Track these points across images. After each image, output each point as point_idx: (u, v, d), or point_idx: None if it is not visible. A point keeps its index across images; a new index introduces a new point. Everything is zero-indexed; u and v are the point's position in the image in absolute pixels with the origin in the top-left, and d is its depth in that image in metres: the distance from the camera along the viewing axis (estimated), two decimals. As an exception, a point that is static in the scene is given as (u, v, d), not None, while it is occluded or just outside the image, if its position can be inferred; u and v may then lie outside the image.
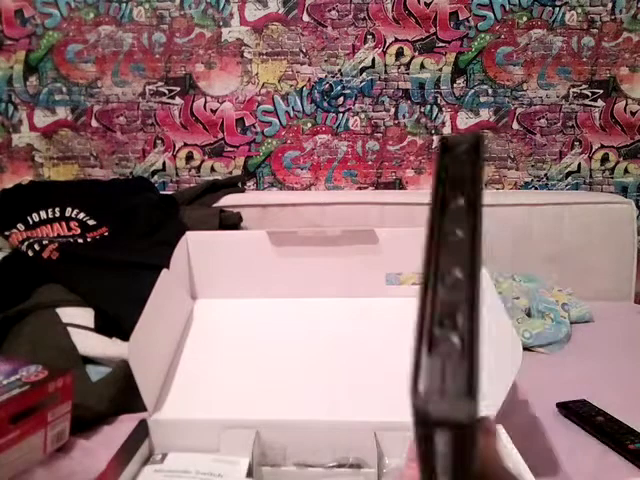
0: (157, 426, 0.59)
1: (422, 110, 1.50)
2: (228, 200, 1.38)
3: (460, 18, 1.46)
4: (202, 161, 1.53)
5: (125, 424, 0.71)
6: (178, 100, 1.50)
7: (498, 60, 1.48)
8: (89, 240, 1.11)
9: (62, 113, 1.51)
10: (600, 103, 1.50)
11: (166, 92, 1.49)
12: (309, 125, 1.51)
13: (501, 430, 0.55)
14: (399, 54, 1.48)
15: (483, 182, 0.24)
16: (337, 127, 1.51)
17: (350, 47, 1.47)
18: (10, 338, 0.87)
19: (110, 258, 1.05)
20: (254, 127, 1.52)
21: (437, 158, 0.25)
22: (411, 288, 0.80)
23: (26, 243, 1.04)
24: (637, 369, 0.92)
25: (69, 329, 0.89)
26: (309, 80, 1.49)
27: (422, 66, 1.48)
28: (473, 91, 1.50)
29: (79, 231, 1.12)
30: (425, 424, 0.19)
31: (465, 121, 1.51)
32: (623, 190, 1.54)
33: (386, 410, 0.58)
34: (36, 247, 1.02)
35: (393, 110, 1.50)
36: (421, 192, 1.51)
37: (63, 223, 1.13)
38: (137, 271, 0.99)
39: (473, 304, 0.20)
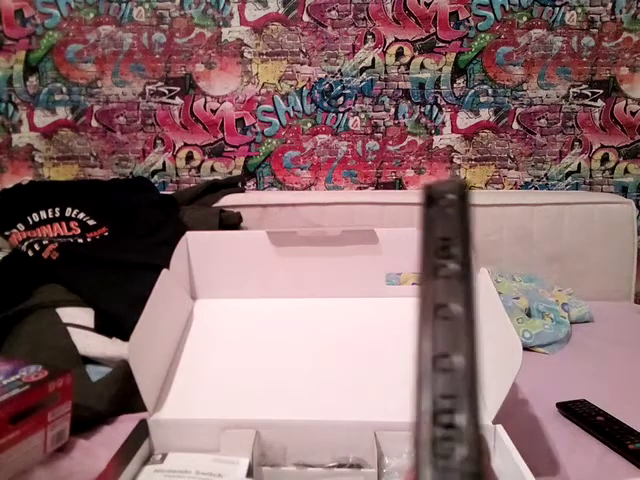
0: (157, 426, 0.59)
1: (422, 110, 1.50)
2: (228, 200, 1.38)
3: (460, 18, 1.46)
4: (202, 161, 1.53)
5: (125, 424, 0.71)
6: (178, 100, 1.50)
7: (498, 60, 1.48)
8: (89, 240, 1.11)
9: (62, 113, 1.51)
10: (600, 103, 1.50)
11: (166, 92, 1.49)
12: (309, 125, 1.51)
13: (501, 430, 0.55)
14: (399, 54, 1.48)
15: (473, 241, 0.22)
16: (337, 127, 1.51)
17: (350, 47, 1.48)
18: (10, 338, 0.87)
19: (110, 258, 1.04)
20: (254, 127, 1.52)
21: (422, 212, 0.23)
22: (411, 288, 0.80)
23: (26, 243, 1.04)
24: (637, 369, 0.92)
25: (69, 329, 0.89)
26: (309, 80, 1.49)
27: (422, 66, 1.48)
28: (473, 91, 1.50)
29: (79, 231, 1.12)
30: None
31: (465, 121, 1.51)
32: (623, 190, 1.54)
33: (386, 410, 0.58)
34: (36, 247, 1.02)
35: (393, 110, 1.50)
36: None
37: (63, 223, 1.13)
38: (137, 271, 0.99)
39: (473, 399, 0.18)
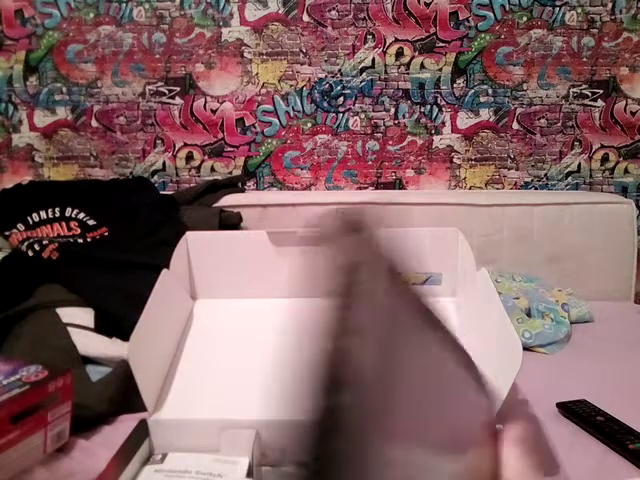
0: (157, 426, 0.59)
1: (422, 110, 1.50)
2: (228, 200, 1.38)
3: (460, 18, 1.46)
4: (202, 161, 1.53)
5: (125, 424, 0.71)
6: (178, 100, 1.50)
7: (498, 60, 1.48)
8: (89, 240, 1.11)
9: (62, 113, 1.51)
10: (600, 103, 1.50)
11: (166, 92, 1.49)
12: (309, 125, 1.51)
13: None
14: (399, 54, 1.48)
15: (385, 269, 0.20)
16: (337, 127, 1.51)
17: (350, 47, 1.47)
18: (10, 338, 0.87)
19: (110, 258, 1.05)
20: (254, 127, 1.52)
21: (332, 239, 0.20)
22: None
23: (26, 243, 1.04)
24: (637, 369, 0.92)
25: (69, 329, 0.89)
26: (309, 80, 1.49)
27: (422, 66, 1.48)
28: (473, 91, 1.50)
29: (79, 231, 1.12)
30: None
31: (465, 121, 1.51)
32: (623, 190, 1.54)
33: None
34: (36, 247, 1.02)
35: (393, 110, 1.50)
36: (421, 192, 1.51)
37: (63, 223, 1.13)
38: (137, 271, 0.99)
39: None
